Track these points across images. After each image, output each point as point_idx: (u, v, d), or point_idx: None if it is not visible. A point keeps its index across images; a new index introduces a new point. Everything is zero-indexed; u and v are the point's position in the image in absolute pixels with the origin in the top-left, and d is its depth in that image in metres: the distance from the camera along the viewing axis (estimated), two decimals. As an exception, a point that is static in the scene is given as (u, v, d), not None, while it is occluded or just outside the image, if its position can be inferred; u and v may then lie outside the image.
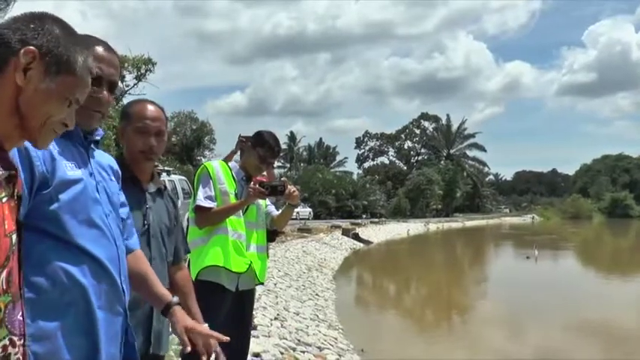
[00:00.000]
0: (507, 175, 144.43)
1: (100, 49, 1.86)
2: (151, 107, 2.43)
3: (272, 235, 4.13)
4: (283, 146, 74.34)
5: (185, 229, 3.15)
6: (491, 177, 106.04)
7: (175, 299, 2.03)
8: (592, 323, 11.17)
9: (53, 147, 1.59)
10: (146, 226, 2.35)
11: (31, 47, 1.22)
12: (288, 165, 74.16)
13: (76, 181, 1.62)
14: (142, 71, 25.91)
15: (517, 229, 53.30)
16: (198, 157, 46.40)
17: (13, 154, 1.47)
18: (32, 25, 1.25)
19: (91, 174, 1.72)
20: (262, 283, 3.87)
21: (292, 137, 79.57)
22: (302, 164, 68.28)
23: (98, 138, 1.84)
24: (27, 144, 1.52)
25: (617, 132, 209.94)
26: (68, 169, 1.61)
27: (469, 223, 61.40)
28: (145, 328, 2.31)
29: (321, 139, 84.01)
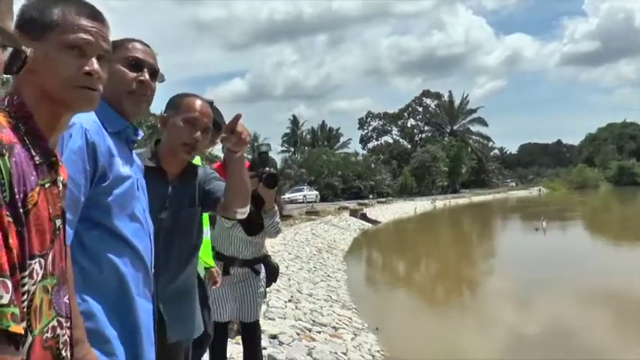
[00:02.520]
0: (512, 148, 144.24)
1: (137, 44, 1.94)
2: (202, 103, 2.42)
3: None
4: (286, 130, 74.28)
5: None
6: (496, 151, 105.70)
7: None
8: (604, 294, 11.20)
9: (111, 144, 1.71)
10: (159, 222, 2.30)
11: None
12: (292, 149, 74.09)
13: (126, 178, 1.74)
14: (161, 71, 25.81)
15: (524, 202, 53.24)
16: (203, 146, 46.33)
17: (82, 148, 1.58)
18: None
19: (133, 171, 1.82)
20: None
21: (295, 121, 79.49)
22: (306, 147, 68.14)
23: (139, 138, 1.92)
24: (94, 139, 1.63)
25: (621, 100, 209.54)
26: (121, 166, 1.73)
27: (476, 199, 61.35)
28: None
29: (323, 121, 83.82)
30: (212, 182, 2.54)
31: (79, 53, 1.30)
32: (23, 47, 0.79)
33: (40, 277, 1.11)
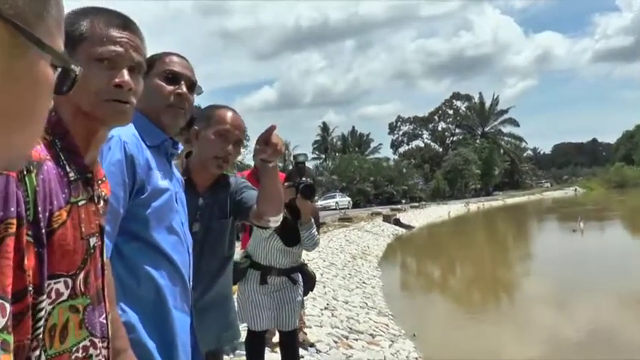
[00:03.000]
0: (546, 148, 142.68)
1: (174, 57, 1.95)
2: (234, 115, 2.41)
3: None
4: (317, 137, 74.36)
5: None
6: (529, 152, 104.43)
7: None
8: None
9: (150, 157, 1.73)
10: (193, 233, 2.30)
11: None
12: (323, 156, 74.19)
13: (164, 190, 1.75)
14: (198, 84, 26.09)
15: (560, 203, 52.39)
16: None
17: (120, 161, 1.59)
18: None
19: (172, 184, 1.83)
20: None
21: (325, 128, 79.61)
22: (337, 154, 68.15)
23: (178, 152, 1.93)
24: (132, 152, 1.64)
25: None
26: (160, 179, 1.74)
27: (510, 201, 60.59)
28: None
29: (353, 127, 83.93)
30: (244, 192, 2.54)
31: (109, 65, 1.28)
32: (72, 66, 0.79)
33: (65, 297, 1.09)
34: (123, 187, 1.63)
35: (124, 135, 1.64)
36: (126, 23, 1.33)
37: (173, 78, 1.89)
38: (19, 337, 0.93)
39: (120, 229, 1.63)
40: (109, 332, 1.27)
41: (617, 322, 9.27)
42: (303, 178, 3.46)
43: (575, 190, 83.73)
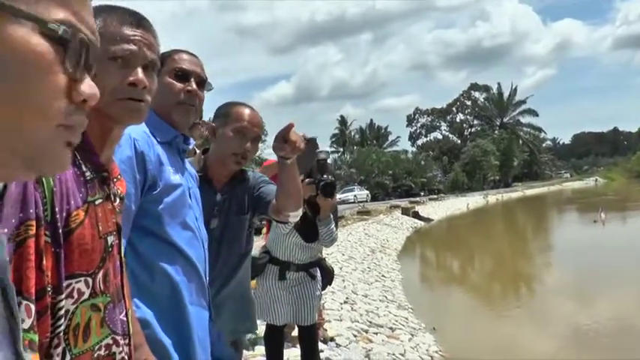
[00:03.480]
0: (565, 138, 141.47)
1: (183, 54, 1.96)
2: (252, 112, 2.42)
3: None
4: (335, 131, 74.30)
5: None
6: (548, 142, 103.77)
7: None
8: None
9: (161, 153, 1.73)
10: (211, 230, 2.34)
11: None
12: (341, 149, 74.12)
13: (177, 186, 1.75)
14: (208, 80, 26.22)
15: (580, 194, 51.90)
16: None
17: (131, 158, 1.58)
18: None
19: (185, 180, 1.83)
20: None
21: (343, 121, 79.47)
22: (355, 147, 68.03)
23: (191, 147, 1.94)
24: (143, 148, 1.64)
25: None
26: (172, 174, 1.75)
27: (529, 192, 60.16)
28: None
29: (371, 120, 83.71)
30: (262, 187, 2.54)
31: (123, 64, 1.28)
32: (73, 32, 0.78)
33: (86, 297, 1.10)
34: (134, 183, 1.63)
35: (134, 132, 1.64)
36: (139, 21, 1.33)
37: (183, 75, 1.90)
38: (39, 336, 0.93)
39: (133, 226, 1.63)
40: (130, 329, 1.27)
41: (638, 316, 9.14)
42: (324, 175, 3.45)
43: (596, 180, 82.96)
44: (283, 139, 2.11)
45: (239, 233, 2.52)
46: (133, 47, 1.28)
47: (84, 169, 1.14)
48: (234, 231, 2.49)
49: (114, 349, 1.19)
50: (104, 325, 1.16)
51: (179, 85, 1.88)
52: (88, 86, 0.65)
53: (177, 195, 1.74)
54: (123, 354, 1.23)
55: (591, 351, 7.25)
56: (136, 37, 1.29)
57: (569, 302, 10.60)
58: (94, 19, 1.28)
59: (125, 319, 1.24)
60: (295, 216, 2.41)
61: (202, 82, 1.95)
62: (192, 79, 1.90)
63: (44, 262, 0.95)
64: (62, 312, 1.02)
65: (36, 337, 0.88)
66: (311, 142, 3.63)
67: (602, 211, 23.55)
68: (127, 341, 1.24)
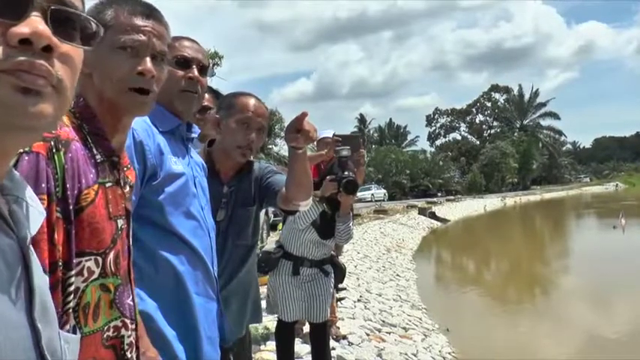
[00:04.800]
0: (586, 142, 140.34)
1: (184, 41, 1.94)
2: (256, 102, 2.39)
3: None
4: (354, 129, 74.21)
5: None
6: (568, 146, 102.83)
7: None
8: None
9: (162, 142, 1.72)
10: (218, 222, 2.31)
11: None
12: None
13: (179, 175, 1.73)
14: (211, 66, 26.42)
15: (600, 198, 51.36)
16: (270, 146, 46.92)
17: (129, 147, 1.57)
18: None
19: (189, 169, 1.81)
20: None
21: (362, 120, 79.35)
22: (374, 146, 67.89)
23: (195, 135, 1.92)
24: (142, 138, 1.64)
25: None
26: (173, 164, 1.73)
27: (547, 195, 59.67)
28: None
29: (390, 119, 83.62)
30: (269, 177, 2.52)
31: (132, 53, 1.29)
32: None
33: (96, 276, 1.12)
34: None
35: (133, 122, 1.63)
36: (150, 12, 1.34)
37: (184, 62, 1.88)
38: None
39: (135, 216, 1.59)
40: (137, 315, 1.29)
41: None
42: (345, 172, 3.45)
43: (617, 185, 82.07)
44: (296, 129, 2.08)
45: (245, 225, 2.50)
46: (142, 37, 1.30)
47: (95, 151, 1.17)
48: (240, 223, 2.47)
49: (122, 332, 1.21)
50: (113, 306, 1.18)
51: (180, 72, 1.86)
52: (26, 26, 0.62)
53: (180, 184, 1.72)
54: (131, 338, 1.24)
55: (604, 354, 7.17)
56: (147, 28, 1.31)
57: (584, 307, 10.50)
58: (107, 9, 1.30)
59: (132, 303, 1.25)
60: (305, 205, 2.38)
61: (204, 69, 1.93)
62: (193, 66, 1.88)
63: (56, 236, 0.98)
64: (72, 288, 1.04)
65: None
66: (356, 139, 3.64)
67: (622, 216, 23.19)
68: (134, 326, 1.26)
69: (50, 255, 0.96)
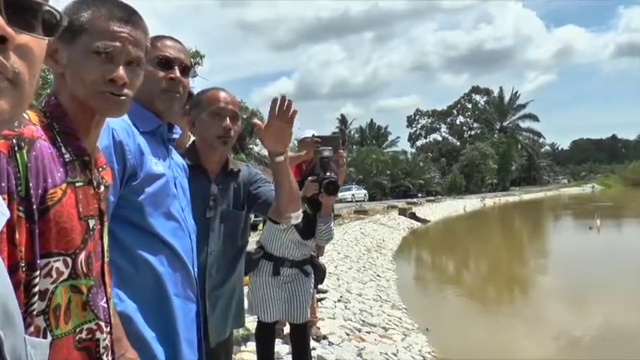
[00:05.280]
0: (564, 144, 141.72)
1: (166, 41, 1.93)
2: (223, 93, 2.40)
3: None
4: (334, 129, 74.20)
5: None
6: (547, 147, 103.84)
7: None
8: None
9: (142, 142, 1.71)
10: (206, 221, 2.34)
11: None
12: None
13: (159, 176, 1.72)
14: (193, 67, 26.25)
15: (577, 200, 51.93)
16: (251, 146, 46.82)
17: (108, 147, 1.57)
18: None
19: (170, 170, 1.81)
20: None
21: (343, 120, 79.28)
22: (354, 146, 67.94)
23: (176, 136, 1.92)
24: (121, 138, 1.63)
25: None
26: (154, 164, 1.72)
27: (526, 196, 60.17)
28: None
29: (371, 120, 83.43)
30: (259, 185, 2.52)
31: (106, 59, 1.26)
32: None
33: (65, 277, 1.10)
34: (112, 174, 1.61)
35: (113, 122, 1.61)
36: (129, 17, 1.31)
37: (166, 63, 1.87)
38: None
39: (115, 216, 1.60)
40: (111, 317, 1.27)
41: (631, 322, 9.16)
42: (327, 173, 3.46)
43: (593, 187, 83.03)
44: (276, 116, 2.14)
45: (236, 226, 2.50)
46: (117, 44, 1.27)
47: (63, 150, 1.15)
48: (231, 223, 2.47)
49: (97, 335, 1.19)
50: (87, 308, 1.16)
51: (162, 73, 1.85)
52: None
53: (160, 185, 1.71)
54: (107, 341, 1.23)
55: (581, 354, 7.27)
56: (123, 34, 1.28)
57: (561, 307, 10.62)
58: (84, 11, 1.27)
59: (106, 306, 1.23)
60: (297, 217, 2.41)
61: (186, 69, 1.91)
62: (175, 67, 1.87)
63: (17, 236, 0.95)
64: (36, 290, 1.01)
65: None
66: (336, 139, 3.66)
67: (598, 217, 23.50)
68: (109, 329, 1.24)
69: (10, 256, 0.93)
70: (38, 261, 1.02)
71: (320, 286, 5.85)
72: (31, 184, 1.00)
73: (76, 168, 1.16)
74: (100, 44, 1.26)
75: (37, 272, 1.01)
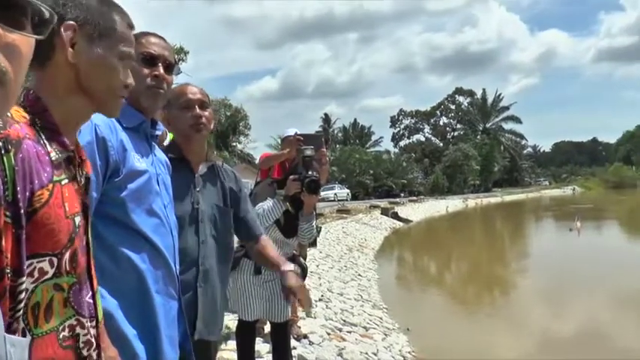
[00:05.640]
0: (546, 146, 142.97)
1: (150, 37, 1.94)
2: (189, 86, 2.45)
3: None
4: (318, 128, 74.26)
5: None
6: (529, 149, 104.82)
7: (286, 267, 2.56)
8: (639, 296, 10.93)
9: (125, 138, 1.70)
10: (195, 210, 2.36)
11: (70, 22, 1.22)
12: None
13: (142, 172, 1.72)
14: (177, 64, 26.14)
15: (558, 202, 52.44)
16: (234, 144, 46.70)
17: (91, 143, 1.57)
18: (62, 1, 1.24)
19: (152, 166, 1.80)
20: None
21: (327, 119, 79.39)
22: (338, 146, 68.05)
23: (159, 133, 1.91)
24: (104, 134, 1.62)
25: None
26: (136, 160, 1.71)
27: (508, 198, 60.68)
28: (189, 314, 2.36)
29: (355, 119, 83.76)
30: (248, 212, 2.62)
31: (125, 64, 1.32)
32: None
33: (49, 276, 1.08)
34: (94, 170, 1.59)
35: (96, 118, 1.59)
36: (132, 22, 1.39)
37: (150, 60, 1.88)
38: None
39: (97, 213, 1.59)
40: (99, 312, 1.26)
41: (608, 322, 9.28)
42: (309, 172, 3.47)
43: (574, 189, 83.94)
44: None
45: (224, 219, 2.51)
46: (132, 51, 1.37)
47: (49, 148, 1.13)
48: (219, 215, 2.48)
49: (78, 330, 1.17)
50: (67, 305, 1.14)
51: (146, 70, 1.86)
52: None
53: (143, 181, 1.71)
54: (88, 336, 1.21)
55: (561, 353, 7.34)
56: (132, 41, 1.38)
57: (541, 306, 10.72)
58: (113, 15, 1.31)
59: (92, 301, 1.22)
60: None
61: (170, 66, 1.93)
62: (159, 64, 1.89)
63: (3, 242, 0.92)
64: (23, 296, 0.99)
65: None
66: (318, 138, 3.67)
67: (578, 219, 23.77)
68: (93, 323, 1.23)
69: None
70: (25, 266, 0.99)
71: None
72: (18, 188, 0.98)
73: (62, 165, 1.14)
74: (124, 50, 1.32)
75: (24, 278, 0.99)
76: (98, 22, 1.27)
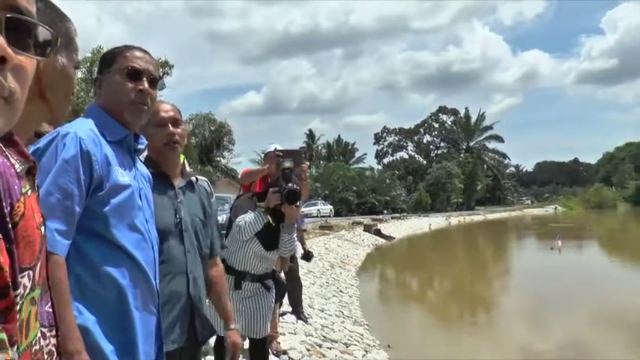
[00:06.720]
0: (528, 166, 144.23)
1: (135, 51, 1.93)
2: (162, 104, 2.45)
3: None
4: (302, 144, 74.31)
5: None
6: (512, 169, 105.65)
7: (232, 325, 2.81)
8: (618, 315, 11.02)
9: (109, 152, 1.70)
10: (178, 220, 2.37)
11: None
12: (307, 163, 74.02)
13: (125, 187, 1.72)
14: (161, 79, 26.09)
15: (540, 221, 52.80)
16: (218, 158, 46.62)
17: (75, 157, 1.58)
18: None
19: (135, 180, 1.80)
20: None
21: (311, 135, 79.47)
22: (321, 162, 68.12)
23: (142, 147, 1.91)
24: (89, 148, 1.62)
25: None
26: (120, 175, 1.71)
27: (491, 216, 60.99)
28: (184, 322, 2.36)
29: (339, 135, 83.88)
30: (212, 223, 2.64)
31: (76, 73, 1.37)
32: None
33: (29, 290, 1.06)
34: (77, 184, 1.59)
35: (81, 131, 1.62)
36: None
37: (135, 74, 1.87)
38: (6, 334, 0.90)
39: (79, 227, 1.58)
40: (56, 319, 1.24)
41: (588, 340, 9.33)
42: (289, 184, 3.47)
43: (555, 208, 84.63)
44: None
45: (205, 230, 2.55)
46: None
47: (12, 161, 1.10)
48: (201, 225, 2.51)
49: (41, 342, 1.15)
50: (37, 318, 1.13)
51: (130, 84, 1.85)
52: None
53: (126, 196, 1.71)
54: (50, 346, 1.19)
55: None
56: None
57: (522, 323, 10.76)
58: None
59: (50, 310, 1.21)
60: None
61: (154, 81, 1.92)
62: (144, 78, 1.87)
63: (1, 258, 0.92)
64: (18, 307, 0.99)
65: (3, 336, 0.86)
66: (298, 153, 3.70)
67: (559, 238, 23.95)
68: (52, 333, 1.21)
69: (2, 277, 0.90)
70: (18, 281, 0.99)
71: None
72: (3, 204, 0.97)
73: (24, 176, 1.12)
74: (78, 59, 1.38)
75: (19, 291, 0.99)
76: (62, 32, 1.28)
